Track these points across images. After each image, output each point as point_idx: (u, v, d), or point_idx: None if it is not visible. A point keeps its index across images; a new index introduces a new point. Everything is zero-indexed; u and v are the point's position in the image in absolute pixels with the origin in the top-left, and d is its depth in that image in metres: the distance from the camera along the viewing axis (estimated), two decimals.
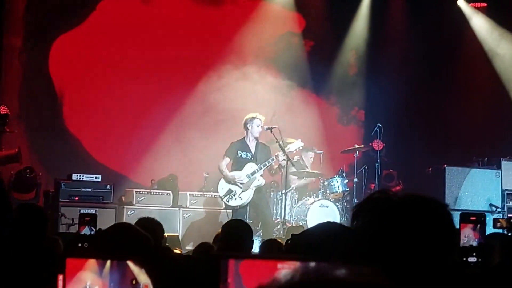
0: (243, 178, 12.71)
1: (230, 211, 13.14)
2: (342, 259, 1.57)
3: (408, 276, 2.31)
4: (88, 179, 12.99)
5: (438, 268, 2.37)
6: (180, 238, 12.55)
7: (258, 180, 12.83)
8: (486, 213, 13.01)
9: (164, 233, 6.63)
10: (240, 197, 12.73)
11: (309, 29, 16.99)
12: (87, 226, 4.63)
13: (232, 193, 12.74)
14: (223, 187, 12.88)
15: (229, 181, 12.78)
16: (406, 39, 17.14)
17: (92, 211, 12.52)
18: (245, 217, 12.69)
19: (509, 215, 14.86)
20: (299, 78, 16.37)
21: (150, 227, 5.97)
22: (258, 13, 16.27)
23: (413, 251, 2.38)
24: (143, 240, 4.11)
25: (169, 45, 15.43)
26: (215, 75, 15.47)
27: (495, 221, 2.96)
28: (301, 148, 13.46)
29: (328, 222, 2.25)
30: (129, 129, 15.04)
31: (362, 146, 15.14)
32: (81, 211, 11.91)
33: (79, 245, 4.53)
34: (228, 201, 12.84)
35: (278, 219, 13.44)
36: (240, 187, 12.72)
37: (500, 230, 4.87)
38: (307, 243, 2.15)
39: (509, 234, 4.06)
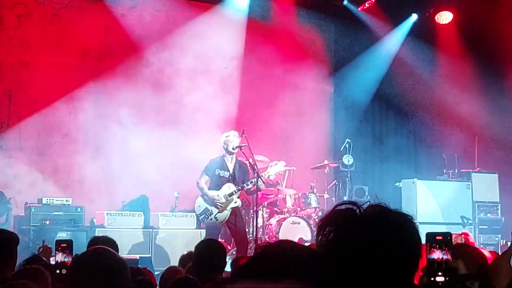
0: (221, 198, 12.67)
1: (204, 230, 13.12)
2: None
3: None
4: (58, 202, 12.91)
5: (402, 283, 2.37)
6: (152, 260, 12.48)
7: (235, 202, 12.78)
8: (458, 225, 13.14)
9: (118, 251, 6.61)
10: (215, 218, 12.67)
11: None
12: (61, 253, 4.59)
13: (208, 212, 12.68)
14: (200, 205, 12.80)
15: (207, 200, 12.71)
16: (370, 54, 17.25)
17: (63, 234, 12.46)
18: (218, 236, 12.66)
19: (480, 226, 14.98)
20: (266, 92, 16.40)
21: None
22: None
23: (377, 265, 2.38)
24: (119, 266, 4.07)
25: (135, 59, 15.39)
26: (180, 91, 15.43)
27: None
28: (283, 171, 13.50)
29: (281, 242, 2.20)
30: (98, 150, 14.95)
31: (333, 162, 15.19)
32: (57, 238, 12.04)
33: (57, 271, 4.51)
34: (203, 220, 12.79)
35: (250, 237, 13.41)
36: (217, 208, 12.67)
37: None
38: (258, 267, 2.08)
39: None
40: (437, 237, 2.85)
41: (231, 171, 12.79)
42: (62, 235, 12.41)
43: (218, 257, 6.53)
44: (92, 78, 14.99)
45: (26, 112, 14.52)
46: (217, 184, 12.75)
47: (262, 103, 16.18)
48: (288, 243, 2.31)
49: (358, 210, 2.46)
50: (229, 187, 12.70)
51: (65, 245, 4.58)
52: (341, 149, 15.35)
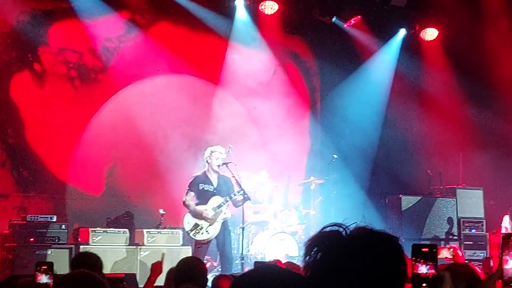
0: (209, 212, 12.62)
1: (189, 247, 13.05)
2: None
3: None
4: (42, 219, 12.82)
5: None
6: (137, 277, 12.40)
7: (225, 213, 12.74)
8: (443, 241, 13.15)
9: (103, 267, 6.59)
10: (207, 231, 12.62)
11: None
12: (43, 274, 4.58)
13: (199, 227, 12.62)
14: (189, 221, 12.73)
15: (196, 215, 12.67)
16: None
17: (48, 252, 12.39)
18: (206, 253, 12.63)
19: (465, 242, 15.01)
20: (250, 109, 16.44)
21: (91, 263, 5.95)
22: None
23: (362, 286, 2.38)
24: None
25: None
26: (169, 112, 15.48)
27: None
28: (267, 178, 13.54)
29: (269, 267, 2.20)
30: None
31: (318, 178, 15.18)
32: (37, 256, 11.97)
33: None
34: (195, 236, 12.69)
35: (236, 253, 13.37)
36: (207, 221, 12.63)
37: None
38: None
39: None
40: (423, 249, 2.85)
41: (215, 185, 12.79)
42: (47, 253, 12.35)
43: (198, 273, 6.54)
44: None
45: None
46: (203, 198, 12.73)
47: (246, 119, 16.19)
48: (268, 269, 2.31)
49: (344, 232, 2.46)
50: (216, 200, 12.69)
51: (46, 267, 4.56)
52: (328, 165, 15.33)
